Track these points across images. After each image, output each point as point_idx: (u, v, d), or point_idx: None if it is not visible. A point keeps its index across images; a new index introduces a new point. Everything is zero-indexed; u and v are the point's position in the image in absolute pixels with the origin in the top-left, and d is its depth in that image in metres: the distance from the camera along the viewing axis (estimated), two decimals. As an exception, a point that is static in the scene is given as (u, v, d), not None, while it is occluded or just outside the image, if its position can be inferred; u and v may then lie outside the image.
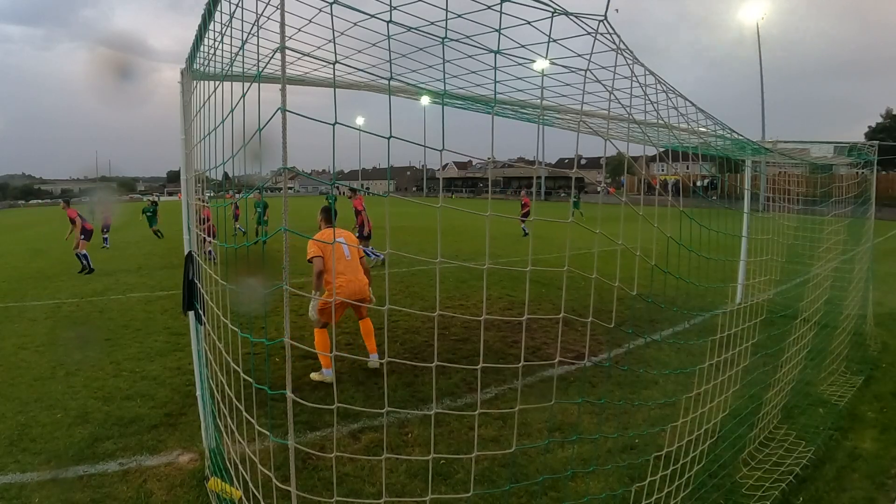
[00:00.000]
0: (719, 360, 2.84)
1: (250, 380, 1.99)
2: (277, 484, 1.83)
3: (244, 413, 2.08)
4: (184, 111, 3.17)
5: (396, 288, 8.75)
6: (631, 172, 39.32)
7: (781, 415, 3.82)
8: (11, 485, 3.05)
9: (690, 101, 2.59)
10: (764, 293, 3.76)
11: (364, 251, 10.25)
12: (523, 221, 17.27)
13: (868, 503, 2.90)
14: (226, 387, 2.32)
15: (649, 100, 2.22)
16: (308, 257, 4.59)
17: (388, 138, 1.69)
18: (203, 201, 3.03)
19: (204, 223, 3.07)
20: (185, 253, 3.16)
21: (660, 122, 2.50)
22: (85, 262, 10.92)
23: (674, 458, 2.58)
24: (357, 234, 10.39)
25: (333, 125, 1.57)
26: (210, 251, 2.95)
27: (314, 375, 4.85)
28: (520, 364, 2.05)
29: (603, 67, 1.84)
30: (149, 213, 17.96)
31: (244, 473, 2.21)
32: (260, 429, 1.96)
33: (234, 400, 2.18)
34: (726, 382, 2.92)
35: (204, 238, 3.00)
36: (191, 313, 3.23)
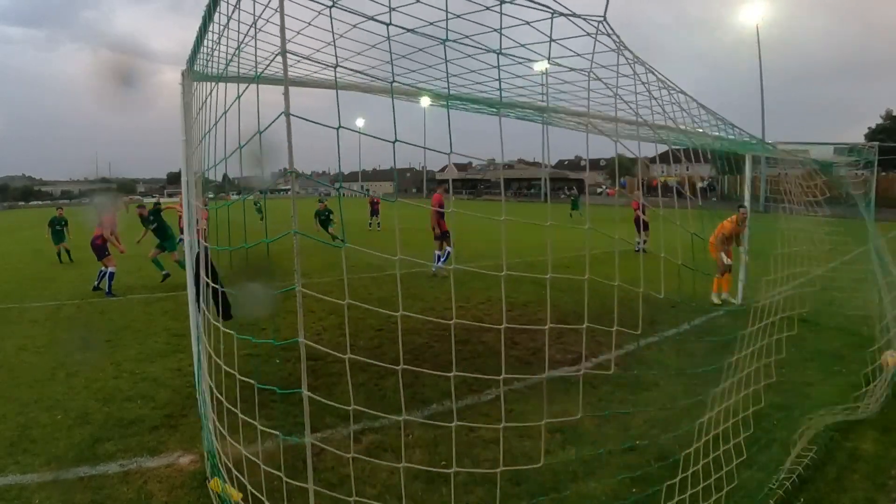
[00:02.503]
0: (720, 362, 2.84)
1: (251, 381, 1.99)
2: (287, 480, 1.85)
3: (241, 414, 2.08)
4: (184, 112, 3.17)
5: (396, 288, 8.75)
6: (631, 174, 39.30)
7: (782, 415, 3.81)
8: (12, 486, 3.05)
9: (691, 97, 2.60)
10: (765, 293, 3.75)
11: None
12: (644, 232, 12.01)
13: (869, 504, 2.90)
14: (226, 388, 2.32)
15: (652, 96, 2.23)
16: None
17: (394, 142, 1.69)
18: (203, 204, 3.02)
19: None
20: (194, 254, 3.15)
21: (666, 118, 2.51)
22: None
23: (674, 459, 2.58)
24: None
25: (338, 129, 1.57)
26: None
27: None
28: (520, 366, 2.05)
29: (604, 66, 1.85)
30: (58, 227, 13.09)
31: (243, 474, 2.21)
32: (262, 428, 1.96)
33: (234, 400, 2.18)
34: (730, 385, 2.91)
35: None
36: (193, 313, 3.23)
